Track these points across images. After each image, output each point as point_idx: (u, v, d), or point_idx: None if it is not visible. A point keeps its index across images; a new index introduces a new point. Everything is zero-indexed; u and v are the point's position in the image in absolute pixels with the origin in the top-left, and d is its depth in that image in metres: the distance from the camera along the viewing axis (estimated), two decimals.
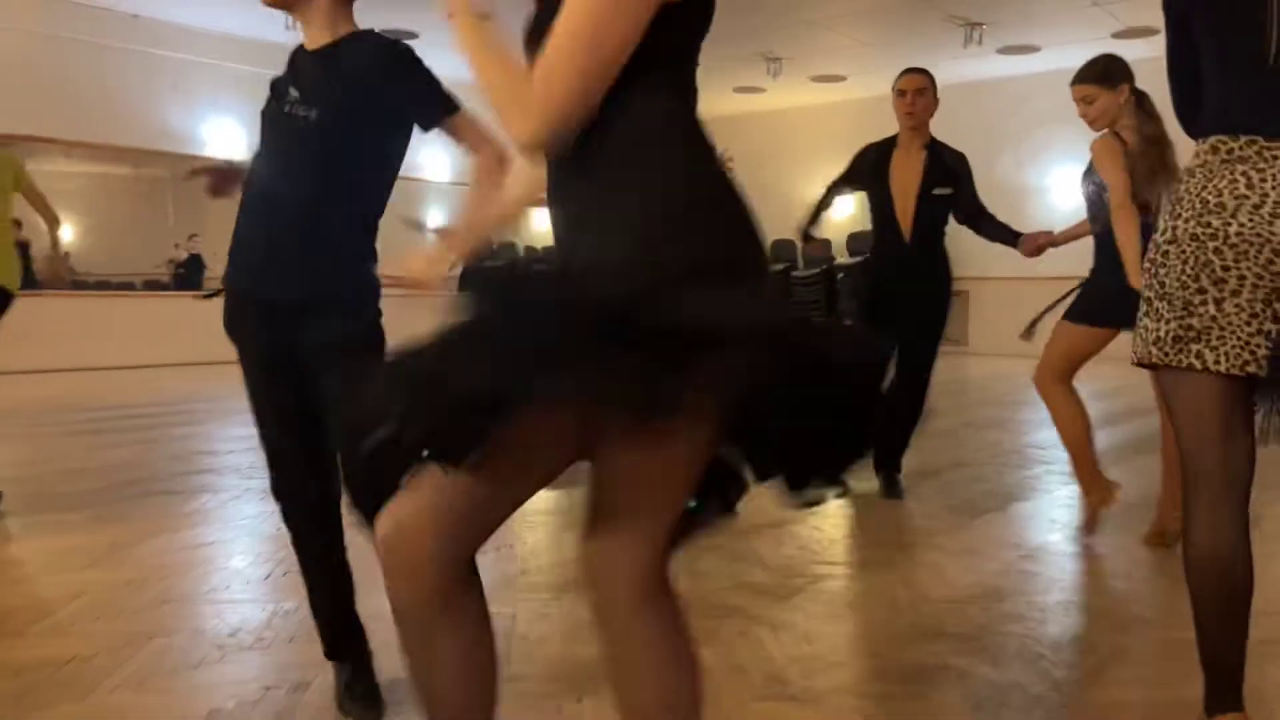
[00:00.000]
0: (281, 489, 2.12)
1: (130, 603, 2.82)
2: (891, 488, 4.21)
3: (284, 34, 11.93)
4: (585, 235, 1.23)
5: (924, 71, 4.23)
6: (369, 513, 1.28)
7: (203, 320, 10.74)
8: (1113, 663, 2.41)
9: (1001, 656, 2.45)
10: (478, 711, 1.30)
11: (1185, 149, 2.02)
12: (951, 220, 4.25)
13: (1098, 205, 3.56)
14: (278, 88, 2.02)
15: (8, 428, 6.52)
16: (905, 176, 4.12)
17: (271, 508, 3.84)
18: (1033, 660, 2.43)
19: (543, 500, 4.15)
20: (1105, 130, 3.41)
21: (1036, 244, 4.17)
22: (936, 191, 4.10)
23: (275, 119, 1.98)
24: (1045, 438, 6.14)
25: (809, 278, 12.34)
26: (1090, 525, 3.61)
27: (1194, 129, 1.85)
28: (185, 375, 10.09)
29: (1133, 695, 2.23)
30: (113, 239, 16.18)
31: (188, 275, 13.93)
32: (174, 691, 2.21)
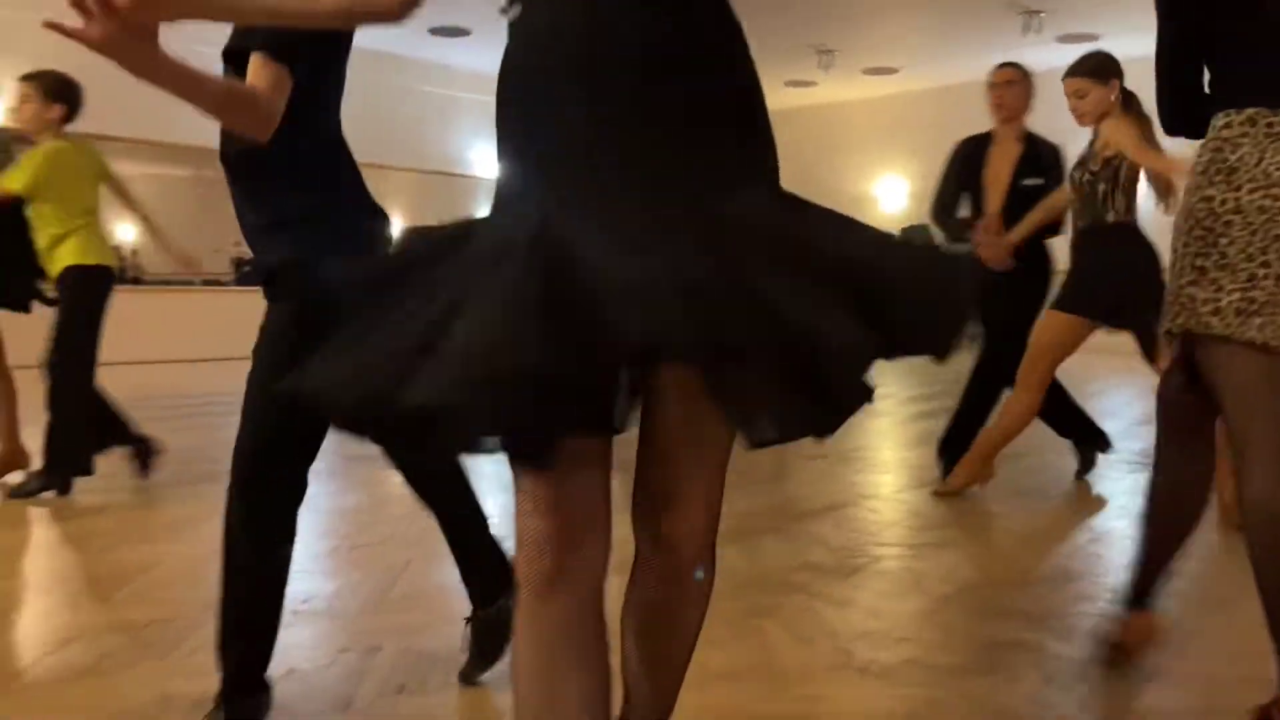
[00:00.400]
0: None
1: (204, 573, 2.88)
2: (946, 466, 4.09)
3: None
4: None
5: (1015, 65, 4.16)
6: None
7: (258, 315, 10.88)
8: (1194, 639, 2.35)
9: (1075, 634, 2.40)
10: None
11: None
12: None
13: (1091, 197, 3.55)
14: None
15: None
16: (998, 168, 4.04)
17: (333, 487, 3.91)
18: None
19: None
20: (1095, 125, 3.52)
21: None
22: (1027, 183, 3.98)
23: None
24: (1112, 427, 6.02)
25: None
26: (952, 489, 3.87)
27: (1187, 120, 1.89)
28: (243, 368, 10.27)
29: (1216, 669, 2.18)
30: (183, 240, 16.58)
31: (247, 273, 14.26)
32: None
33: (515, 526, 1.11)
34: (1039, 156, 4.05)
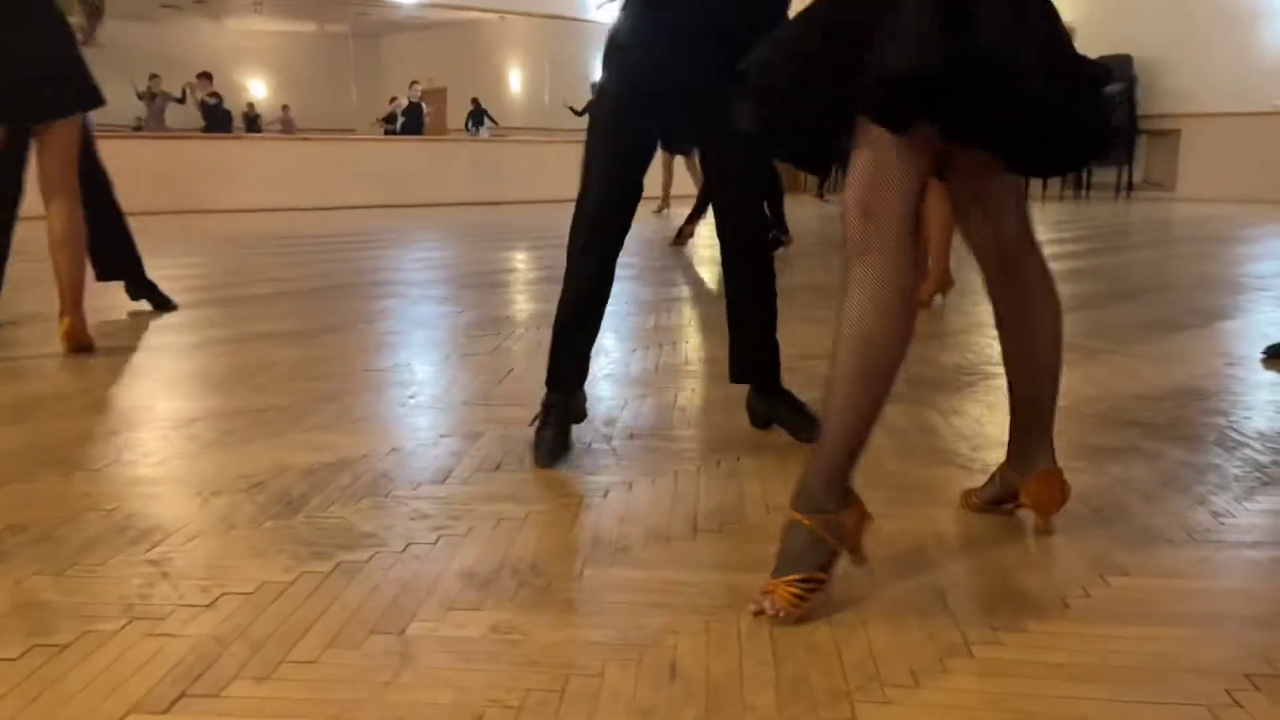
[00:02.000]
0: (599, 241, 2.15)
1: (318, 370, 3.02)
2: None
3: None
4: None
5: None
6: None
7: (395, 165, 11.10)
8: None
9: (1199, 444, 2.27)
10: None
11: None
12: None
13: None
14: None
15: (219, 250, 7.03)
16: None
17: (445, 310, 3.99)
18: (1234, 447, 2.24)
19: (699, 314, 4.12)
20: None
21: None
22: None
23: None
24: (1264, 269, 5.60)
25: None
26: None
27: None
28: (378, 215, 10.56)
29: None
30: (303, 96, 16.94)
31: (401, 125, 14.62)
32: (359, 434, 2.35)
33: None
34: None
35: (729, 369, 2.36)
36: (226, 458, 2.18)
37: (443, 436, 2.32)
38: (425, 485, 1.98)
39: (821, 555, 1.46)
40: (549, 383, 2.22)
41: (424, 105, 14.73)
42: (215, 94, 13.81)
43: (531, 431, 2.20)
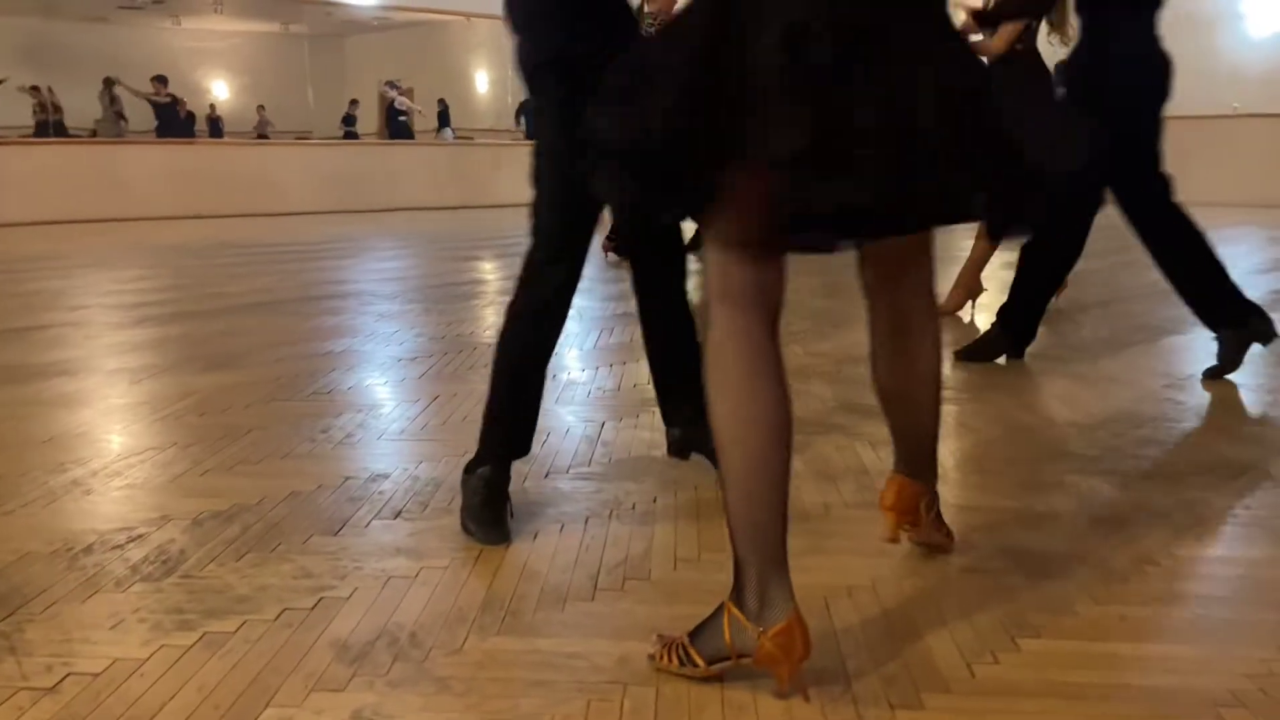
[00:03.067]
0: (559, 261, 1.91)
1: (232, 400, 2.90)
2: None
3: None
4: None
5: None
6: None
7: (353, 169, 10.99)
8: (1262, 487, 2.13)
9: (1131, 479, 2.20)
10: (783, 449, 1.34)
11: None
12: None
13: None
14: None
15: (165, 261, 6.87)
16: None
17: (386, 328, 3.87)
18: (1166, 481, 2.18)
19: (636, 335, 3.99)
20: None
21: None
22: None
23: None
24: None
25: None
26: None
27: None
28: (339, 220, 10.41)
29: (1276, 520, 1.96)
30: (264, 97, 16.71)
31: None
32: (259, 475, 2.23)
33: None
34: None
35: (661, 413, 2.26)
36: (108, 506, 2.06)
37: (346, 479, 2.22)
38: (316, 537, 1.88)
39: (718, 648, 1.35)
40: (488, 453, 1.92)
41: (409, 107, 14.58)
42: (170, 95, 13.56)
43: (438, 471, 2.10)
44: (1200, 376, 3.10)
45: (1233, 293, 3.05)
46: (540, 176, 1.90)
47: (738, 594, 1.35)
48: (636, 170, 1.29)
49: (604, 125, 1.29)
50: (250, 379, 3.19)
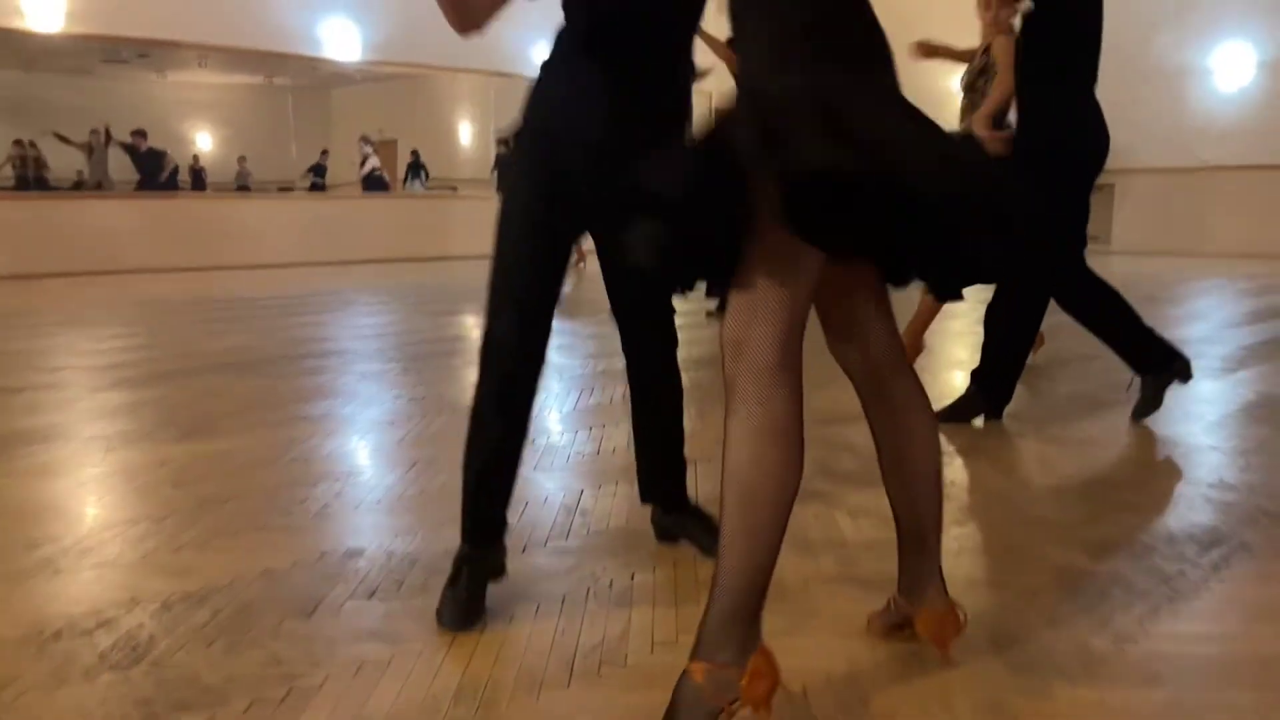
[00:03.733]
0: (514, 340, 1.84)
1: (209, 470, 2.87)
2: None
3: None
4: None
5: None
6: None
7: (333, 221, 10.99)
8: (1236, 558, 2.14)
9: (1107, 551, 2.21)
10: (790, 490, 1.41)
11: None
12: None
13: None
14: None
15: (144, 318, 6.83)
16: None
17: (368, 389, 3.84)
18: (1142, 554, 2.18)
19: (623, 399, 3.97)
20: None
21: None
22: None
23: None
24: (1192, 333, 5.66)
25: None
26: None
27: None
28: (319, 272, 10.40)
29: (1251, 591, 1.97)
30: (248, 149, 16.80)
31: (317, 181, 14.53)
32: (233, 551, 2.21)
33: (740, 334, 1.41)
34: None
35: (638, 485, 2.26)
36: (78, 587, 2.02)
37: (322, 554, 2.19)
38: (289, 620, 1.85)
39: (701, 714, 1.35)
40: (467, 534, 1.89)
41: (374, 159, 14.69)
42: (150, 147, 13.57)
43: (413, 546, 2.08)
44: (1133, 418, 3.25)
45: (1151, 338, 3.32)
46: (500, 238, 1.83)
47: (708, 649, 1.37)
48: (688, 220, 1.39)
49: (662, 180, 1.41)
50: (226, 446, 3.17)
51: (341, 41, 12.17)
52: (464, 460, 1.91)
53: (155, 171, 13.31)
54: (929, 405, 1.65)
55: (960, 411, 3.40)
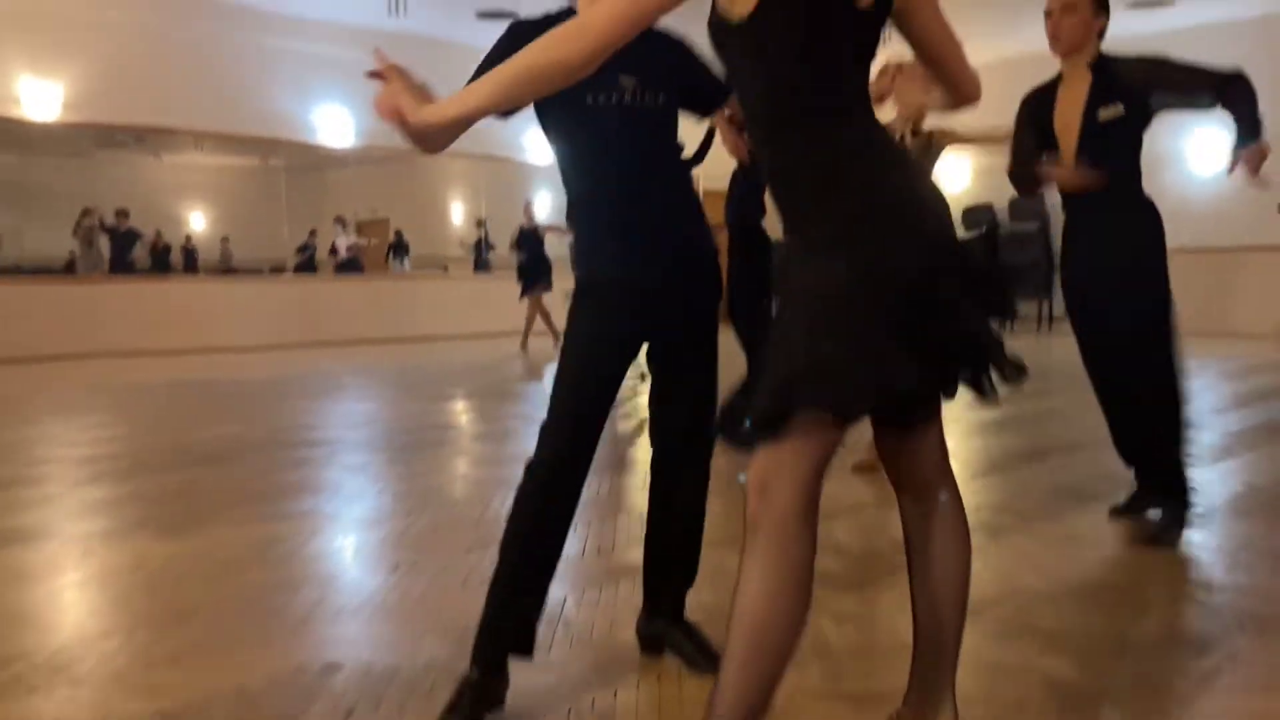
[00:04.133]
0: (563, 466, 1.94)
1: (185, 574, 2.83)
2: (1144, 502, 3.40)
3: (388, 20, 12.10)
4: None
5: None
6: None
7: (321, 302, 11.00)
8: (1227, 666, 2.12)
9: (1094, 656, 2.18)
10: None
11: None
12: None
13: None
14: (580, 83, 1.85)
15: (126, 404, 6.80)
16: (1066, 110, 3.33)
17: (355, 482, 3.81)
18: (1131, 658, 2.16)
19: (614, 491, 3.94)
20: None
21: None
22: (1103, 116, 3.26)
23: (607, 110, 1.96)
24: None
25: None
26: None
27: None
28: (309, 354, 10.40)
29: (1241, 703, 1.95)
30: (241, 228, 16.96)
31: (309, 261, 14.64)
32: (206, 668, 2.16)
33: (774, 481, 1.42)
34: (1112, 81, 3.26)
35: (643, 592, 2.22)
36: (52, 708, 1.98)
37: (298, 669, 2.15)
38: None
39: None
40: (479, 659, 1.88)
41: (356, 241, 14.84)
42: (130, 227, 13.65)
43: (393, 660, 2.04)
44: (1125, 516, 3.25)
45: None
46: (560, 370, 1.97)
47: None
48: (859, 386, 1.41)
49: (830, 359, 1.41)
50: (205, 546, 3.13)
51: (335, 127, 12.41)
52: (493, 577, 1.93)
53: (126, 251, 13.40)
54: (965, 518, 1.65)
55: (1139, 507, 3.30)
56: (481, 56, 1.91)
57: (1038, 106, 3.39)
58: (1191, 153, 12.02)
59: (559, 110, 1.96)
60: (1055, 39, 3.30)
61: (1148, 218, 3.31)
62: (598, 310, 1.98)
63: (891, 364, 1.40)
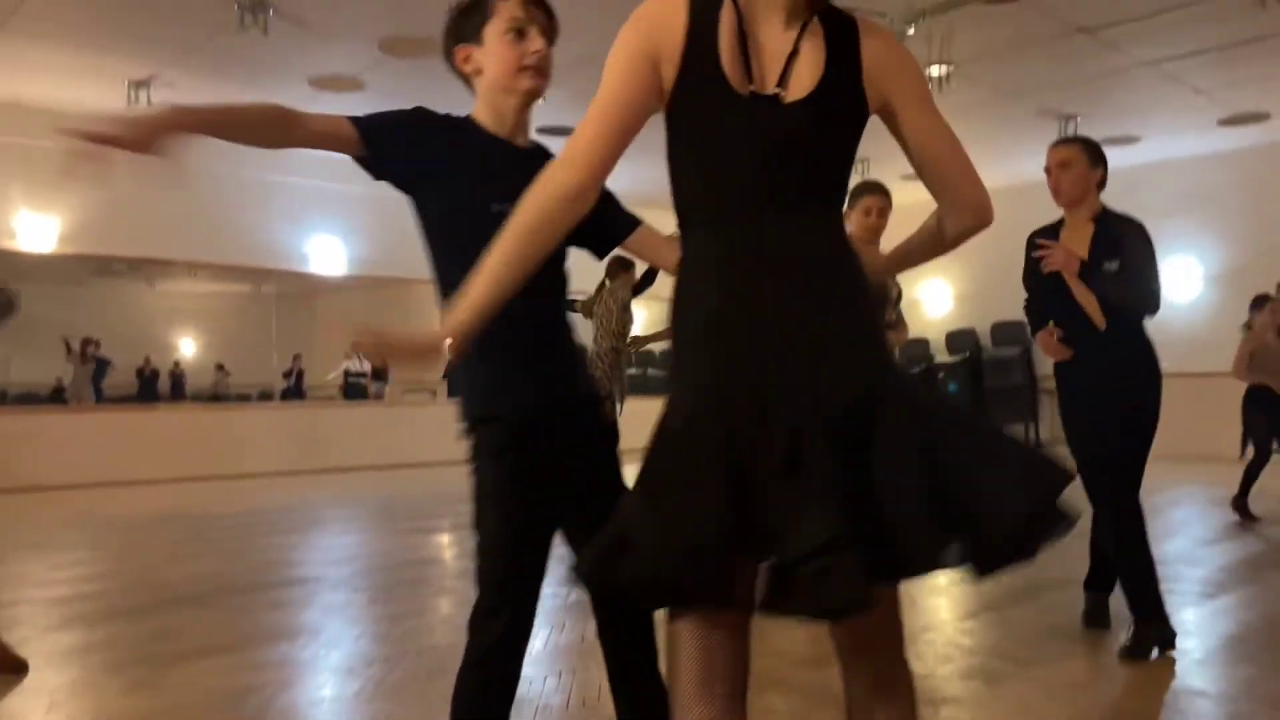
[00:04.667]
0: (509, 616, 1.83)
1: None
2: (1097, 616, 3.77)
3: None
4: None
5: (1075, 141, 3.61)
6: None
7: (310, 428, 10.92)
8: None
9: None
10: None
11: None
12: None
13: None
14: (487, 191, 1.81)
15: (104, 540, 6.67)
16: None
17: (337, 624, 3.70)
18: None
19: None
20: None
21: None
22: (1106, 267, 3.44)
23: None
24: (1171, 551, 5.62)
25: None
26: None
27: None
28: (300, 482, 10.29)
29: None
30: (231, 354, 17.05)
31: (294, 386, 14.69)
32: None
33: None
34: (1111, 237, 3.48)
35: None
36: None
37: None
38: None
39: None
40: None
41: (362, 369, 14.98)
42: (97, 356, 13.73)
43: None
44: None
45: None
46: (481, 521, 1.86)
47: None
48: (682, 568, 1.24)
49: (649, 529, 1.26)
50: (173, 702, 3.01)
51: (327, 257, 12.62)
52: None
53: (99, 379, 13.47)
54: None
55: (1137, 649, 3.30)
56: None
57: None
58: (1168, 280, 12.34)
59: (464, 216, 1.87)
60: (1057, 193, 3.55)
61: (1140, 343, 3.58)
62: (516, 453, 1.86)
63: (709, 555, 1.21)
